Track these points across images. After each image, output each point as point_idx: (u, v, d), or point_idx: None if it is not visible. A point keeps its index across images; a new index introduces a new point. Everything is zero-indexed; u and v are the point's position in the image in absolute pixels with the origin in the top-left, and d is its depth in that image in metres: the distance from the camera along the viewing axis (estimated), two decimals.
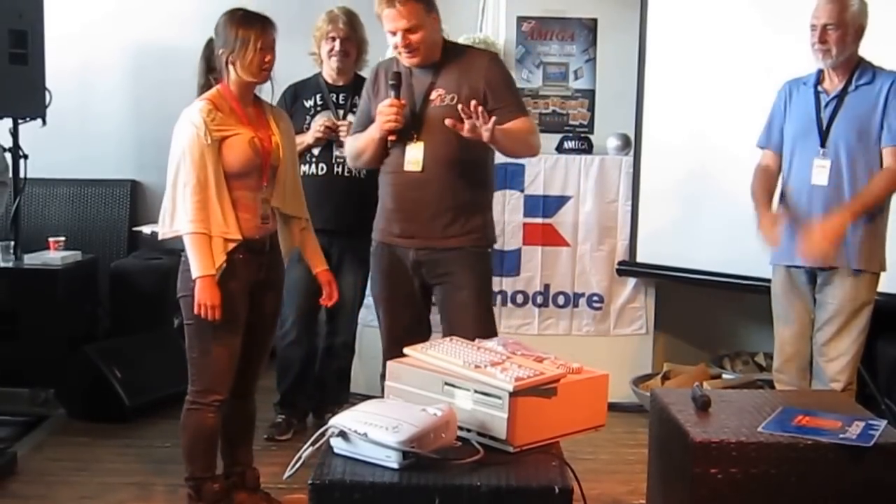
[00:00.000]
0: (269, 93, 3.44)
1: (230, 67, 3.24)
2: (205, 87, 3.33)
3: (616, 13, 5.08)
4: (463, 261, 3.43)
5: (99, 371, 4.58)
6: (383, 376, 3.45)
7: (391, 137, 3.37)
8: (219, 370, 3.30)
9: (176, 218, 3.20)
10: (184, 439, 3.39)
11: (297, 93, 4.31)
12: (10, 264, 4.50)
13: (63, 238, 5.00)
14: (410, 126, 3.37)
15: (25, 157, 4.34)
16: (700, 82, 4.72)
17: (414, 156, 3.37)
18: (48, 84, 4.88)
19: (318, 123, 4.18)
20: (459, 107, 3.19)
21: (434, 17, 3.37)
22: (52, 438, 4.43)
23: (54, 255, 4.88)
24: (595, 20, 5.13)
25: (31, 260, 4.83)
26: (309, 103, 4.29)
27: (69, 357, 4.69)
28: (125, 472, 3.98)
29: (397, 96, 3.36)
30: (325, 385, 4.52)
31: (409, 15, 3.28)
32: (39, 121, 4.86)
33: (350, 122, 4.08)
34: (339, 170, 4.21)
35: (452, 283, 3.43)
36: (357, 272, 4.27)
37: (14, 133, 4.63)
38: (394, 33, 3.33)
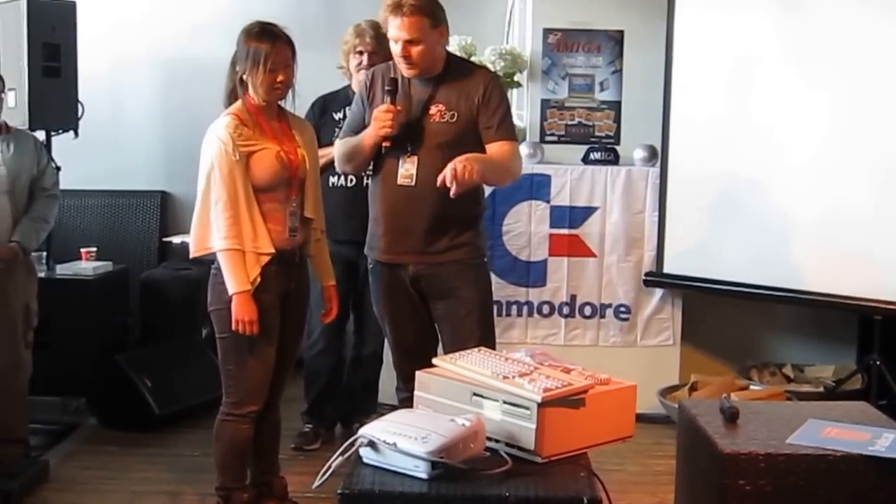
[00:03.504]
0: (291, 104, 3.45)
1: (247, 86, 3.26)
2: (231, 95, 3.33)
3: (643, 25, 5.08)
4: (463, 274, 3.40)
5: (129, 380, 4.63)
6: (399, 389, 3.50)
7: (385, 144, 3.31)
8: (254, 382, 3.33)
9: (208, 235, 3.23)
10: (217, 450, 3.41)
11: (325, 105, 4.33)
12: (43, 274, 4.54)
13: (94, 248, 5.06)
14: (406, 138, 3.33)
15: (58, 168, 4.40)
16: (727, 93, 4.72)
17: (408, 169, 3.33)
18: (80, 97, 4.95)
19: None
20: (438, 184, 3.13)
21: (440, 31, 3.32)
22: (83, 447, 4.49)
23: (86, 266, 4.93)
24: (622, 32, 5.13)
25: (63, 270, 4.89)
26: (338, 116, 4.30)
27: (100, 366, 4.74)
28: (155, 480, 4.02)
29: (393, 102, 3.30)
30: (353, 395, 4.54)
31: (413, 28, 3.24)
32: (72, 133, 4.93)
33: None
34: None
35: (454, 298, 3.40)
36: None
37: (47, 145, 4.68)
38: (395, 41, 3.30)
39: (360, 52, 4.26)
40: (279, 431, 3.64)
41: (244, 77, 3.26)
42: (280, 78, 3.25)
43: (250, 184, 3.23)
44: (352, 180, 4.22)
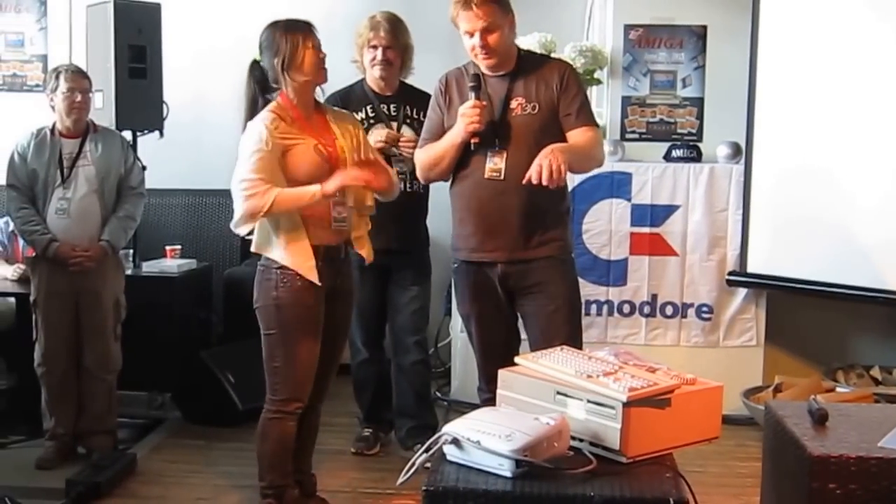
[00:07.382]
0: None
1: (286, 76, 3.26)
2: (252, 108, 3.32)
3: (726, 20, 5.01)
4: (552, 271, 3.38)
5: (213, 376, 4.71)
6: (481, 389, 3.49)
7: (474, 140, 3.30)
8: (301, 378, 3.34)
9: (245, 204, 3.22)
10: (264, 448, 3.40)
11: (343, 104, 3.95)
12: (129, 271, 4.65)
13: (179, 246, 5.14)
14: (492, 133, 3.32)
15: (144, 168, 4.49)
16: (813, 90, 4.61)
17: (496, 163, 3.31)
18: (165, 97, 5.05)
19: (380, 137, 4.03)
20: (524, 181, 3.14)
21: (510, 19, 3.32)
22: (168, 440, 4.58)
23: (171, 263, 5.02)
24: (705, 27, 5.07)
25: (150, 267, 4.98)
26: (360, 115, 4.07)
27: (185, 362, 4.83)
28: (239, 474, 4.07)
29: (478, 97, 3.29)
30: (409, 411, 4.36)
31: (486, 15, 3.24)
32: (157, 133, 5.03)
33: (405, 135, 4.05)
34: (402, 186, 3.97)
35: (544, 293, 3.38)
36: (416, 282, 4.23)
37: (133, 144, 4.79)
38: (471, 34, 3.29)
39: (375, 47, 4.08)
40: (317, 432, 3.63)
41: (285, 68, 3.25)
42: (322, 55, 3.28)
43: (289, 178, 3.22)
44: None
